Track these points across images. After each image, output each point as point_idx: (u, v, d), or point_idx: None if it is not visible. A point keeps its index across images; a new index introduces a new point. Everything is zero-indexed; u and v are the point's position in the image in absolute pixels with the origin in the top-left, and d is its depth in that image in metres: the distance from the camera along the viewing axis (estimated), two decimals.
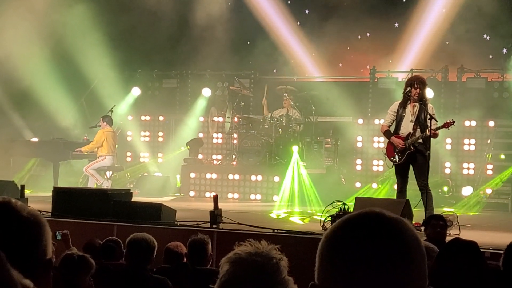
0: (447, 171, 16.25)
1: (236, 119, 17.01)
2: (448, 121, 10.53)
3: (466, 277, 3.53)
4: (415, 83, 10.62)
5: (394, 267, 1.53)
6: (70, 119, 18.77)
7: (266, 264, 2.37)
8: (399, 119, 10.75)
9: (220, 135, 18.27)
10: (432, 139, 10.49)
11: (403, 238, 1.58)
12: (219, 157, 17.95)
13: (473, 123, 16.17)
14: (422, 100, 10.56)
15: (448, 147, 16.25)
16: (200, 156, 17.60)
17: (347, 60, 20.24)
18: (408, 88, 10.61)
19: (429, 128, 10.33)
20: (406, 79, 11.01)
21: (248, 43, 19.89)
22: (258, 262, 2.36)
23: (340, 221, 1.64)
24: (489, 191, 15.45)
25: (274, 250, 2.44)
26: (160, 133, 19.13)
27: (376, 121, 16.38)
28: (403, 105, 10.74)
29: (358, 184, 16.64)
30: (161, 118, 19.10)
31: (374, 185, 16.33)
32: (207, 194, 15.94)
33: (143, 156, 18.95)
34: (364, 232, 1.57)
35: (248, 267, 2.35)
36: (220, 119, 17.89)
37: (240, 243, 2.45)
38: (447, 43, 18.03)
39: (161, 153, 18.85)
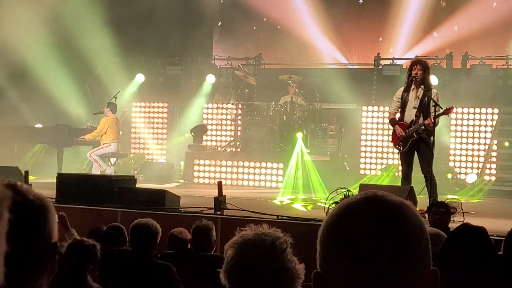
0: (451, 158, 16.23)
1: (240, 106, 16.99)
2: (447, 107, 10.49)
3: (474, 263, 3.52)
4: (415, 64, 10.59)
5: (397, 253, 1.49)
6: (75, 105, 18.76)
7: (275, 242, 2.38)
8: (403, 105, 10.73)
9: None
10: (436, 123, 10.46)
11: (406, 222, 1.52)
12: (223, 144, 17.95)
13: (478, 110, 16.14)
14: (425, 85, 10.50)
15: (453, 134, 16.22)
16: (204, 143, 17.60)
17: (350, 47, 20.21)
18: (410, 72, 10.59)
19: (430, 116, 10.31)
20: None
21: (254, 27, 19.83)
22: (267, 241, 2.37)
23: (340, 206, 1.57)
24: (493, 178, 15.45)
25: (277, 231, 2.45)
26: (165, 120, 19.11)
27: (381, 108, 16.35)
28: (407, 90, 10.70)
29: (362, 171, 16.63)
30: (165, 104, 19.08)
31: (378, 172, 16.32)
32: (211, 181, 15.95)
33: (147, 142, 18.94)
34: (365, 217, 1.51)
35: (257, 247, 2.36)
36: (225, 106, 17.87)
37: (241, 229, 2.46)
38: (455, 28, 17.96)
39: (165, 140, 18.84)
